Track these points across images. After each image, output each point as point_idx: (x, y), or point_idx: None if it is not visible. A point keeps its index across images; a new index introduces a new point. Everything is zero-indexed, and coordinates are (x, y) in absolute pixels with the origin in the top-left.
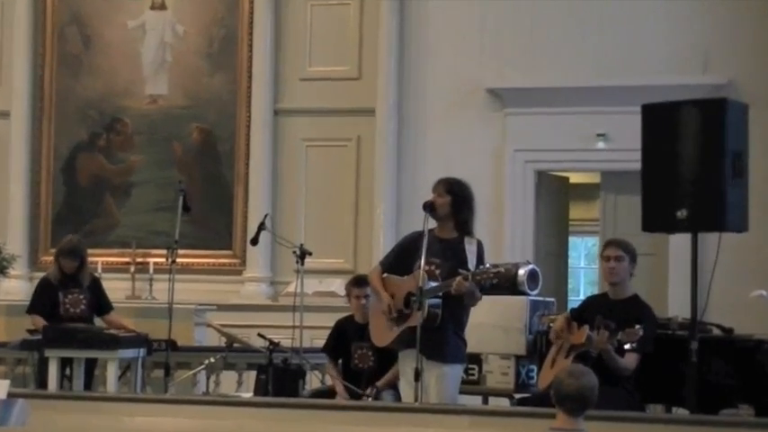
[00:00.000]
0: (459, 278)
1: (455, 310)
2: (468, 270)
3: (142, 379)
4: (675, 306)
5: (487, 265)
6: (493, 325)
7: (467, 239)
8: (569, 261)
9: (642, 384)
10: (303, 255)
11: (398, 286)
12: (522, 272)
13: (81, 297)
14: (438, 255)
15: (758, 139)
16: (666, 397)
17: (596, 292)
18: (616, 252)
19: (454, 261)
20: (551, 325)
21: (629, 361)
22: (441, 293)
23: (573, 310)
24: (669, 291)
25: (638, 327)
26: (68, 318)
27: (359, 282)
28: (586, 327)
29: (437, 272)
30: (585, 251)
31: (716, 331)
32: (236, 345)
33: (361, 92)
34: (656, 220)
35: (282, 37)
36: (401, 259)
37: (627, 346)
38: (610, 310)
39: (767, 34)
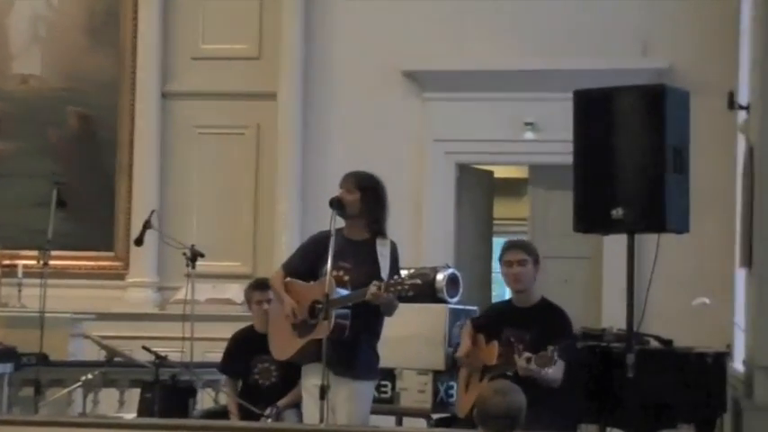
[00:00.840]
0: (373, 288)
1: (368, 319)
2: (380, 277)
3: (9, 398)
4: (610, 315)
5: (403, 274)
6: (408, 336)
7: (379, 241)
8: (494, 264)
9: (574, 401)
10: (195, 257)
11: (303, 293)
12: (440, 276)
13: None
14: (348, 258)
15: (701, 130)
16: (601, 416)
17: None
18: (518, 255)
19: (366, 266)
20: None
21: (555, 372)
22: (348, 303)
23: (475, 320)
24: (604, 298)
25: (551, 349)
26: None
27: (261, 285)
28: (495, 344)
29: (346, 278)
30: None
31: (654, 343)
32: (117, 359)
33: (262, 73)
34: (590, 219)
35: (172, 10)
36: (306, 263)
37: (546, 370)
38: (517, 319)
39: (712, 14)
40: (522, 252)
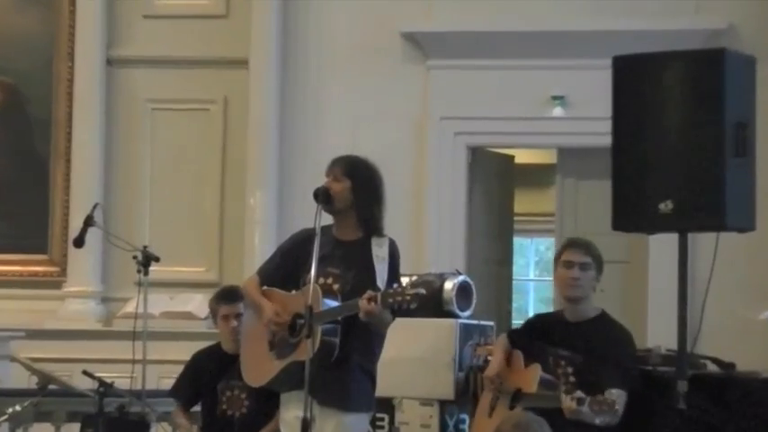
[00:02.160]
0: (364, 298)
1: (364, 336)
2: (375, 285)
3: None
4: (657, 332)
5: (405, 282)
6: (409, 358)
7: (375, 241)
8: (515, 271)
9: None
10: (148, 261)
11: (283, 305)
12: (449, 285)
13: None
14: (336, 262)
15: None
16: None
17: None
18: (582, 257)
19: (359, 271)
20: (489, 358)
21: (612, 415)
22: (337, 317)
23: (514, 332)
24: (649, 311)
25: (611, 392)
26: None
27: (228, 295)
28: (537, 367)
29: (335, 286)
30: (537, 257)
31: (712, 367)
32: (52, 386)
33: (230, 35)
34: (632, 215)
35: None
36: (286, 268)
37: (598, 421)
38: (568, 337)
39: None
40: (587, 254)
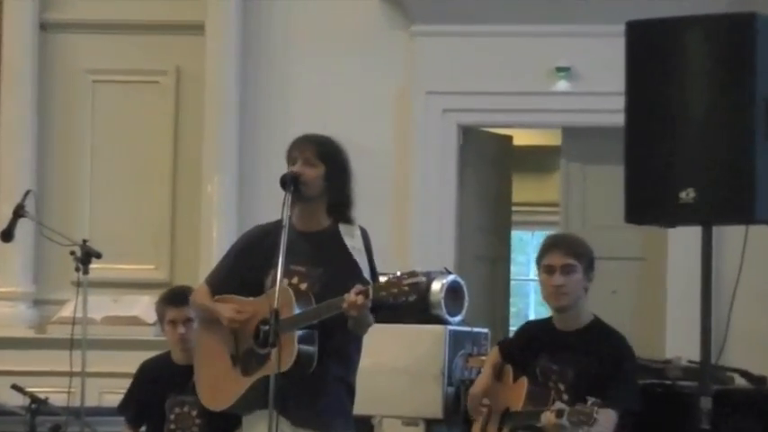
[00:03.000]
0: (353, 292)
1: (340, 342)
2: (360, 278)
3: None
4: (676, 341)
5: (398, 274)
6: (391, 370)
7: (343, 229)
8: (513, 269)
9: None
10: (88, 257)
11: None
12: (437, 287)
13: None
14: (302, 259)
15: None
16: None
17: None
18: (563, 258)
19: (330, 266)
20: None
21: (604, 422)
22: (315, 320)
23: (504, 344)
24: (667, 317)
25: (591, 402)
26: None
27: (176, 297)
28: (524, 381)
29: (303, 286)
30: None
31: (740, 381)
32: None
33: None
34: (648, 206)
35: None
36: (243, 272)
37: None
38: (558, 347)
39: None
40: (569, 254)
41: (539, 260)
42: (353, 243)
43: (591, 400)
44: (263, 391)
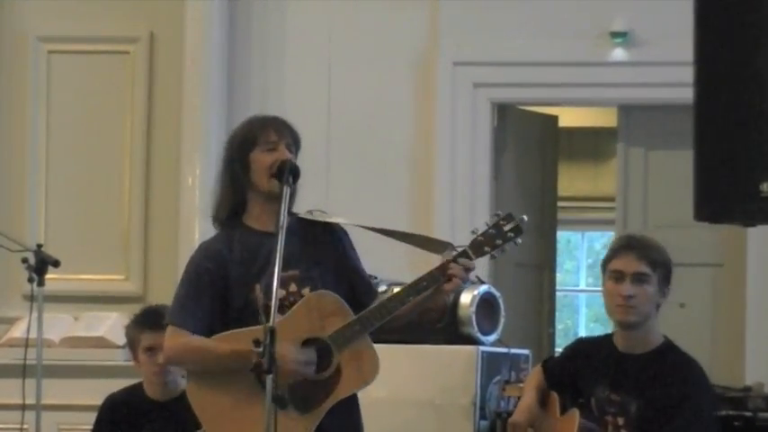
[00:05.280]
0: (453, 264)
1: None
2: (353, 266)
3: None
4: (758, 363)
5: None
6: (414, 401)
7: (308, 217)
8: (559, 278)
9: None
10: (43, 266)
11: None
12: (467, 300)
13: None
14: (295, 259)
15: None
16: None
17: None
18: (636, 265)
19: (326, 261)
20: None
21: None
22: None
23: (550, 363)
24: (746, 334)
25: None
26: None
27: (153, 319)
28: (575, 415)
29: (305, 290)
30: (591, 259)
31: None
32: None
33: None
34: (723, 200)
35: None
36: (213, 303)
37: None
38: (621, 373)
39: None
40: (644, 259)
41: (605, 263)
42: (340, 219)
43: None
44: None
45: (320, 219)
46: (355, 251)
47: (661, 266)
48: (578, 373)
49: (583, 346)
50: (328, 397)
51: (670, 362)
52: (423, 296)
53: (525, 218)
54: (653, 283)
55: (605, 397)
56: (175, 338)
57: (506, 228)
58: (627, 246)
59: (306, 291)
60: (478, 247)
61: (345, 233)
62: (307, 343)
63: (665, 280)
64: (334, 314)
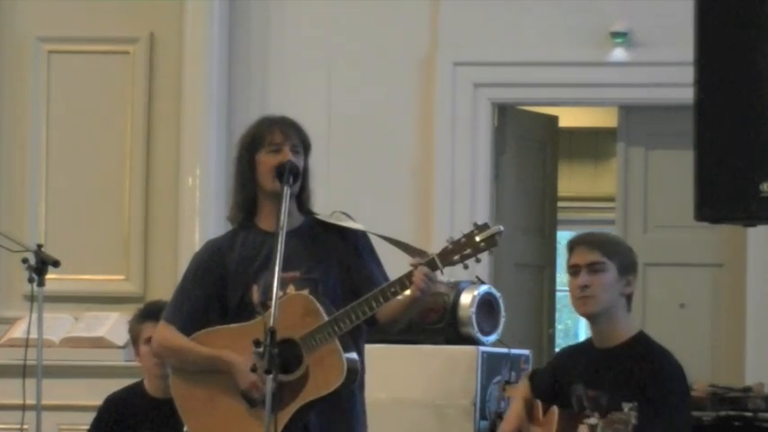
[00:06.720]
0: (417, 271)
1: (362, 350)
2: (369, 269)
3: None
4: (758, 363)
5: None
6: (412, 403)
7: (334, 218)
8: (559, 278)
9: None
10: (44, 266)
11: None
12: (467, 300)
13: None
14: (298, 260)
15: None
16: None
17: None
18: (588, 256)
19: (329, 262)
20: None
21: None
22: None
23: (535, 375)
24: (747, 334)
25: (628, 407)
26: None
27: (152, 312)
28: (555, 411)
29: (302, 291)
30: None
31: None
32: None
33: None
34: (723, 199)
35: None
36: (208, 301)
37: None
38: (593, 369)
39: None
40: (596, 250)
41: (567, 262)
42: (358, 225)
43: (628, 405)
44: (299, 421)
45: (334, 221)
46: (374, 256)
47: (618, 255)
48: (562, 379)
49: (563, 354)
50: (295, 399)
51: (639, 354)
52: (410, 300)
53: (502, 228)
54: (610, 271)
55: (583, 394)
56: (161, 333)
57: (479, 238)
58: (578, 240)
59: (305, 292)
60: (446, 256)
61: (363, 237)
62: (281, 344)
63: (627, 269)
64: (308, 315)
